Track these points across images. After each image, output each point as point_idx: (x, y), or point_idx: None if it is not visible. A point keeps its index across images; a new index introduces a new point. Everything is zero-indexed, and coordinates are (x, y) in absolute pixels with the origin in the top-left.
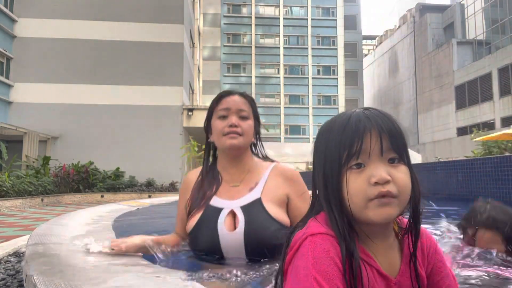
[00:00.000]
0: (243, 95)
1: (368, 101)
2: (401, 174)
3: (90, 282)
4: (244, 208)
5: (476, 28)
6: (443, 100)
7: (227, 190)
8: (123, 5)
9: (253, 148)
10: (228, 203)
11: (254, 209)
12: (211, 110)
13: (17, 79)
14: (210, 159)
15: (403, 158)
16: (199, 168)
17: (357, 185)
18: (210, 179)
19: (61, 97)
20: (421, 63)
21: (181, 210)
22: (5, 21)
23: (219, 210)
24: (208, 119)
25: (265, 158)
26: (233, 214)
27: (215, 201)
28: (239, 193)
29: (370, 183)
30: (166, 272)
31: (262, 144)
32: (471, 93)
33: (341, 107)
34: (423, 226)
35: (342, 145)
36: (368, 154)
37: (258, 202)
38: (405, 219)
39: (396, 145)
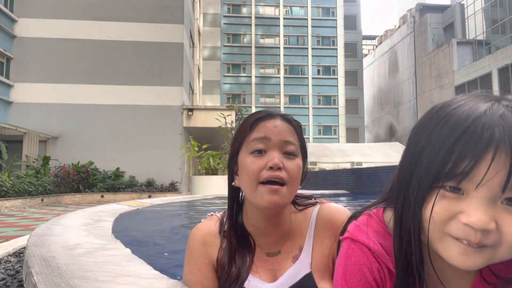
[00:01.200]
0: (288, 118)
1: (368, 101)
2: None
3: (90, 282)
4: None
5: (476, 28)
6: (443, 100)
7: (264, 261)
8: (123, 5)
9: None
10: (271, 286)
11: None
12: (240, 139)
13: (17, 79)
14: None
15: None
16: (212, 221)
17: (439, 212)
18: (240, 246)
19: (61, 97)
20: (421, 63)
21: (208, 277)
22: (5, 21)
23: None
24: (234, 152)
25: (301, 199)
26: None
27: (254, 284)
28: (280, 267)
29: (459, 221)
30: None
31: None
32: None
33: (341, 107)
34: None
35: (445, 154)
36: (478, 182)
37: (309, 279)
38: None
39: None
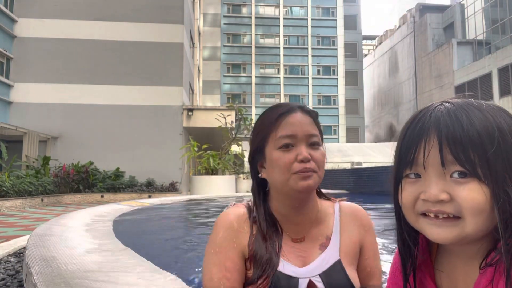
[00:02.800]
0: (307, 110)
1: (368, 101)
2: (468, 192)
3: (90, 282)
4: (325, 276)
5: (476, 28)
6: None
7: (292, 247)
8: (123, 5)
9: None
10: (303, 271)
11: (335, 276)
12: (263, 135)
13: (17, 79)
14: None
15: (477, 173)
16: (240, 208)
17: (405, 197)
18: (269, 232)
19: (61, 97)
20: (421, 63)
21: (233, 260)
22: (5, 21)
23: (294, 282)
24: (259, 146)
25: (321, 194)
26: (310, 286)
27: (284, 267)
28: (308, 254)
29: (419, 199)
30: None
31: None
32: (471, 93)
33: (341, 107)
34: None
35: (399, 150)
36: (423, 164)
37: (338, 266)
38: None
39: (463, 158)
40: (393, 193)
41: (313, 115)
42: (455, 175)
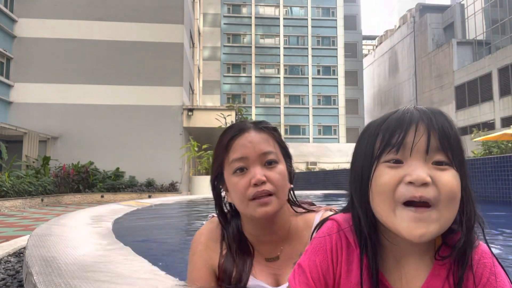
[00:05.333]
0: (260, 127)
1: (368, 101)
2: (448, 178)
3: (90, 282)
4: None
5: (476, 28)
6: (443, 100)
7: (265, 266)
8: (123, 5)
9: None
10: None
11: None
12: (219, 161)
13: (17, 79)
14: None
15: (454, 162)
16: (214, 225)
17: (386, 181)
18: (239, 252)
19: (61, 97)
20: (421, 63)
21: (206, 279)
22: (5, 21)
23: None
24: (218, 173)
25: (299, 205)
26: None
27: (256, 286)
28: (282, 272)
29: (404, 182)
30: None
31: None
32: (471, 93)
33: (341, 107)
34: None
35: (381, 133)
36: (410, 150)
37: None
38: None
39: (447, 146)
40: (361, 181)
41: (269, 131)
42: (433, 163)
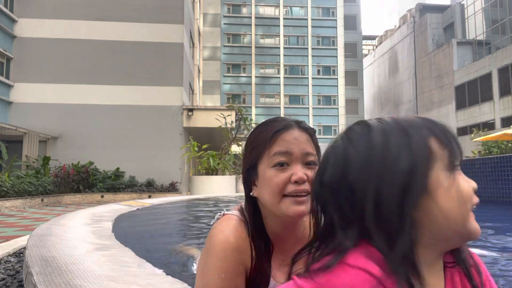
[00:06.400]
0: (305, 127)
1: (368, 101)
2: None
3: (90, 282)
4: None
5: (476, 28)
6: (443, 100)
7: (280, 266)
8: (123, 5)
9: None
10: None
11: None
12: (258, 152)
13: (17, 79)
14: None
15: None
16: (236, 223)
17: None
18: (265, 253)
19: (61, 97)
20: (421, 63)
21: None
22: (5, 21)
23: None
24: (252, 164)
25: None
26: None
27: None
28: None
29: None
30: (172, 281)
31: None
32: (471, 93)
33: (341, 107)
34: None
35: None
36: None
37: None
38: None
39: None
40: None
41: (311, 132)
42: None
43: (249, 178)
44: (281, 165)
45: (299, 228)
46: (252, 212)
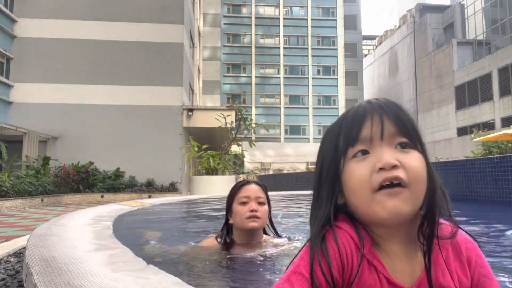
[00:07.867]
0: (259, 184)
1: None
2: (412, 160)
3: (91, 282)
4: None
5: (476, 28)
6: (443, 100)
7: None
8: (123, 5)
9: (266, 228)
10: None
11: None
12: (232, 197)
13: (17, 79)
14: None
15: (415, 144)
16: (213, 239)
17: (358, 174)
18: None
19: (61, 97)
20: (421, 63)
21: None
22: (5, 21)
23: None
24: (229, 204)
25: (278, 235)
26: None
27: None
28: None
29: (375, 170)
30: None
31: (272, 223)
32: (471, 93)
33: (341, 107)
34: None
35: (341, 132)
36: (370, 139)
37: None
38: (447, 225)
39: (404, 129)
40: (331, 180)
41: (263, 187)
42: (399, 147)
43: (227, 213)
44: (244, 203)
45: (254, 237)
46: (226, 232)
